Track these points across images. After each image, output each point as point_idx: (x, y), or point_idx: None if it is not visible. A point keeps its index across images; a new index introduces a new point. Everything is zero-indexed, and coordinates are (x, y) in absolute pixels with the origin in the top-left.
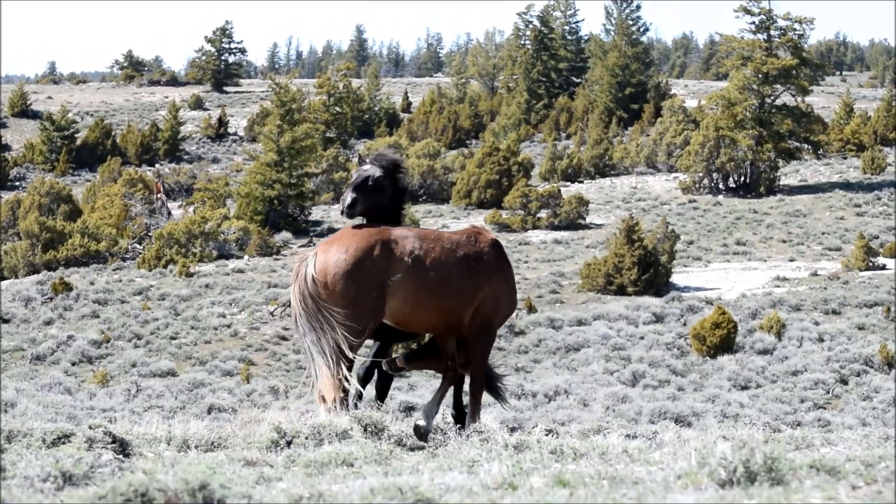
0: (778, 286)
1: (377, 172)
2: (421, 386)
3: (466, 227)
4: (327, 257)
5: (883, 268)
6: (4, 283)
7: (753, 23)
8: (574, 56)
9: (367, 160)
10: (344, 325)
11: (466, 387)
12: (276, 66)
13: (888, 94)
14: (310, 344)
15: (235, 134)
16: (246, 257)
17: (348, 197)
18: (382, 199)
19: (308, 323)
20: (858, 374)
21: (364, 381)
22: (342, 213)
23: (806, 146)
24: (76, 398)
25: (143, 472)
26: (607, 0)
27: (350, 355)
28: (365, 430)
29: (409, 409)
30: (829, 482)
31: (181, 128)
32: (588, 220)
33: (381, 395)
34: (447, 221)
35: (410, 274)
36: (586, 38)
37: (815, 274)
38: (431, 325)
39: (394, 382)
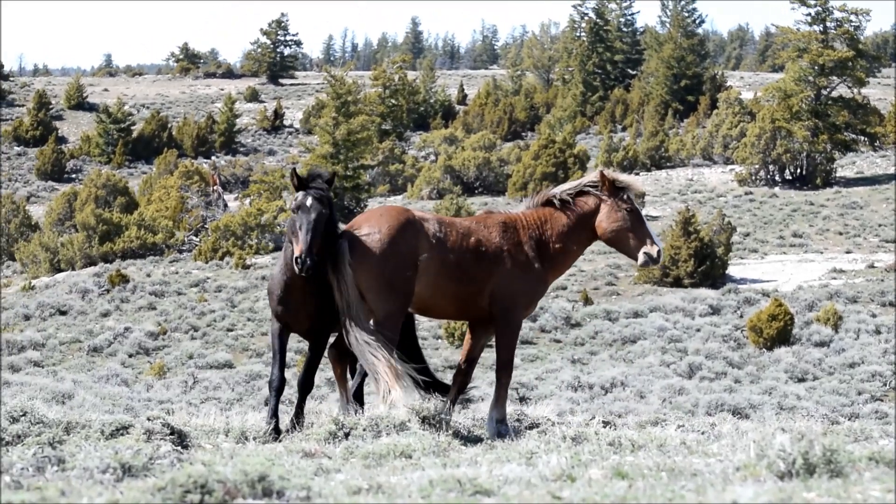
0: (835, 278)
1: (323, 210)
2: (477, 378)
3: (480, 213)
4: (359, 240)
5: None
6: (61, 275)
7: (809, 14)
8: (629, 48)
9: (309, 196)
10: (380, 309)
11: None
12: (332, 59)
13: None
14: (362, 341)
15: (291, 126)
16: None
17: (308, 261)
18: (329, 227)
19: (357, 316)
20: None
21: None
22: (300, 272)
23: (862, 138)
24: (133, 390)
25: (203, 464)
26: None
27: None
28: (423, 421)
29: (466, 401)
30: (888, 474)
31: (237, 120)
32: (644, 212)
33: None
34: None
35: (435, 255)
36: (642, 30)
37: (871, 266)
38: (447, 312)
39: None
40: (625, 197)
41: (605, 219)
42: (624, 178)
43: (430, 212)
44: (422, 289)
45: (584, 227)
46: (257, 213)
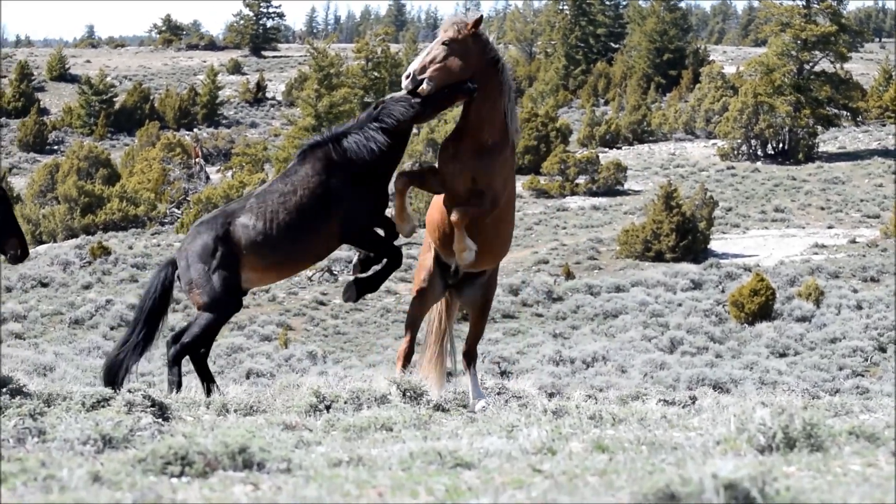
0: (816, 253)
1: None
2: (457, 352)
3: None
4: None
5: None
6: (43, 247)
7: None
8: (612, 21)
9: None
10: None
11: None
12: (315, 31)
13: None
14: None
15: (273, 98)
16: None
17: None
18: None
19: None
20: None
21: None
22: None
23: (844, 113)
24: None
25: (183, 436)
26: None
27: None
28: (404, 394)
29: (447, 375)
30: (868, 448)
31: (219, 92)
32: (626, 186)
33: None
34: None
35: None
36: (625, 3)
37: (853, 241)
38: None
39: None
40: None
41: None
42: None
43: None
44: None
45: None
46: (239, 186)
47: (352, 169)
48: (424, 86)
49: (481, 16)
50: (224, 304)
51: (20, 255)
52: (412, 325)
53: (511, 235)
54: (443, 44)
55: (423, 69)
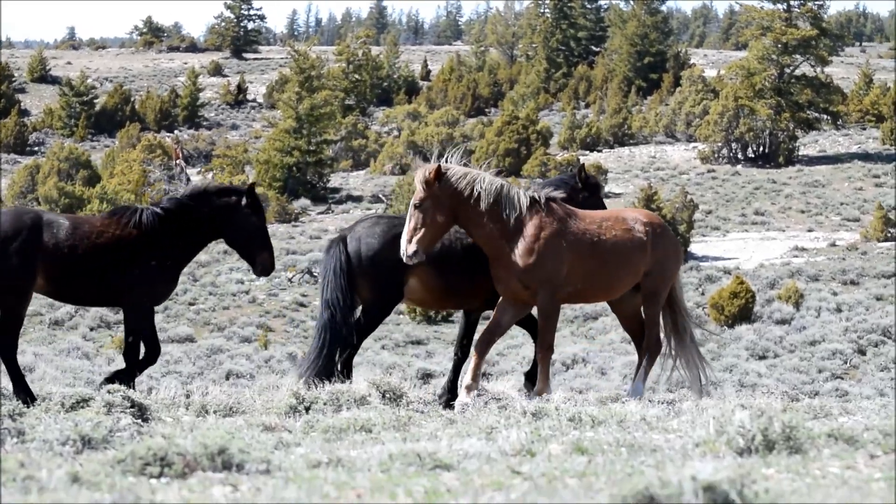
0: (796, 256)
1: None
2: (438, 353)
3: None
4: None
5: None
6: None
7: None
8: (593, 25)
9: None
10: None
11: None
12: (296, 34)
13: None
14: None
15: (254, 101)
16: None
17: None
18: None
19: None
20: (876, 345)
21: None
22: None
23: (825, 117)
24: (94, 363)
25: (162, 437)
26: None
27: None
28: (383, 396)
29: (426, 376)
30: (847, 451)
31: (200, 94)
32: (607, 189)
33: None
34: None
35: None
36: (606, 6)
37: (833, 244)
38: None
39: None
40: None
41: None
42: None
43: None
44: None
45: None
46: None
47: None
48: (415, 258)
49: (438, 166)
50: (388, 303)
51: (268, 269)
52: None
53: (620, 272)
54: (415, 207)
55: (410, 240)
